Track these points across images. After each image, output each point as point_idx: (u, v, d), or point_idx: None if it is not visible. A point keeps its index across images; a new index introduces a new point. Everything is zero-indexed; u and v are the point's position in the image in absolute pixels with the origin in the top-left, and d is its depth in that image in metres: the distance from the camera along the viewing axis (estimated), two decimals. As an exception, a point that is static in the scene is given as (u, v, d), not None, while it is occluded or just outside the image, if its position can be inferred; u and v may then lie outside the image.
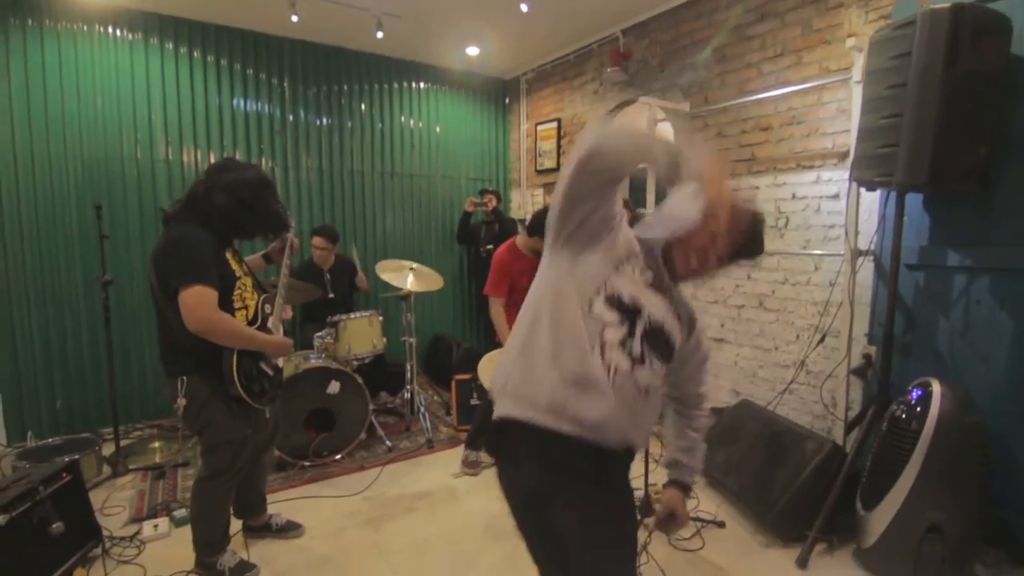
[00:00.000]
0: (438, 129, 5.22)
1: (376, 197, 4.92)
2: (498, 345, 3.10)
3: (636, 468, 2.74)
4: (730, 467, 2.78)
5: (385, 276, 3.71)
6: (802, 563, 2.27)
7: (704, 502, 2.74)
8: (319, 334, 3.37)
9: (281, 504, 2.69)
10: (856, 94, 2.63)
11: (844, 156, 2.86)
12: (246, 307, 2.05)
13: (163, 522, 2.50)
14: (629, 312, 1.14)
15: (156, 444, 3.49)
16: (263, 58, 4.29)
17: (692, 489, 1.46)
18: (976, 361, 2.36)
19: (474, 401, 3.73)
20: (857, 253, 2.71)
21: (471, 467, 3.14)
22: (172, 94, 3.95)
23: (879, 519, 2.19)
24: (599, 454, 1.15)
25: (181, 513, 2.54)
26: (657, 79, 3.90)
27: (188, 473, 3.09)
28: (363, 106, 4.79)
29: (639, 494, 2.64)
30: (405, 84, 5.00)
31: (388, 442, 3.42)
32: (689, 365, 1.37)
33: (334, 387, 3.19)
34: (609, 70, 4.13)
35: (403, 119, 5.01)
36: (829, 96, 2.92)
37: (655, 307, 1.17)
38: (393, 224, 5.03)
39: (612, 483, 1.26)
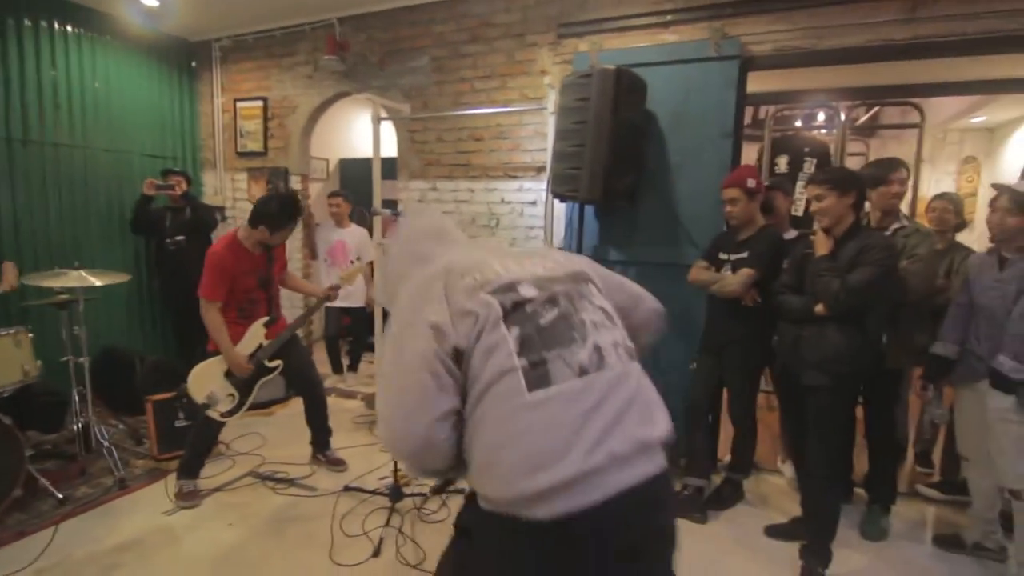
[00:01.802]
0: (95, 88, 4.13)
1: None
2: (212, 354, 2.72)
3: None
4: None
5: (43, 283, 2.84)
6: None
7: (445, 477, 3.00)
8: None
9: None
10: (550, 122, 3.23)
11: (540, 170, 3.48)
12: None
13: None
14: None
15: None
16: None
17: None
18: (629, 330, 3.23)
19: (180, 422, 3.17)
20: (552, 250, 3.35)
21: (187, 499, 2.69)
22: None
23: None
24: None
25: None
26: (377, 77, 3.96)
27: None
28: (-33, 41, 3.45)
29: (388, 481, 2.73)
30: (44, 23, 3.79)
31: (58, 494, 2.64)
32: None
33: (-38, 436, 2.31)
34: (326, 57, 3.98)
35: (41, 69, 3.80)
36: (529, 119, 3.49)
37: None
38: (29, 209, 3.78)
39: None
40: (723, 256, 2.62)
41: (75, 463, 2.97)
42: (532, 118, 3.47)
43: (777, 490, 2.93)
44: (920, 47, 2.79)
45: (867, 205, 2.39)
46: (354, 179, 5.49)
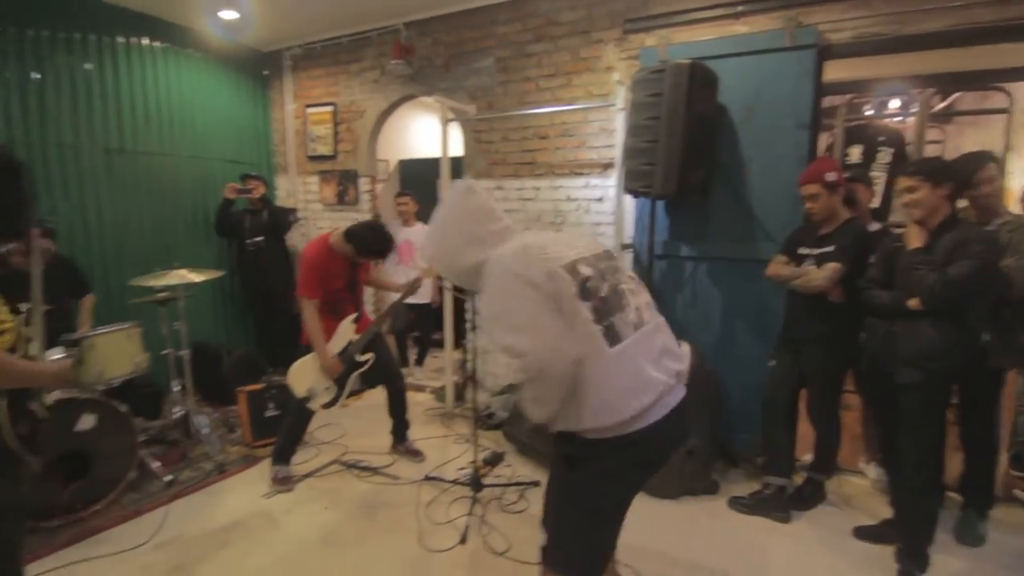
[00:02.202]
0: (180, 99, 4.40)
1: (99, 180, 3.91)
2: (307, 349, 2.88)
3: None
4: (534, 433, 3.18)
5: (147, 282, 3.09)
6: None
7: (520, 468, 3.07)
8: (55, 358, 2.60)
9: (33, 584, 2.06)
10: (618, 119, 3.24)
11: (607, 167, 3.49)
12: (1, 332, 1.52)
13: None
14: None
15: None
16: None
17: None
18: (702, 324, 3.22)
19: (271, 412, 3.37)
20: (622, 247, 3.36)
21: (283, 483, 2.87)
22: None
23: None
24: None
25: None
26: (443, 79, 4.06)
27: None
28: (72, 58, 3.73)
29: (467, 472, 2.83)
30: (134, 40, 4.07)
31: (167, 476, 2.87)
32: None
33: (87, 421, 2.54)
34: (393, 62, 4.10)
35: (132, 83, 4.07)
36: (594, 116, 3.51)
37: None
38: (126, 214, 4.07)
39: None
40: (803, 251, 2.56)
41: (177, 448, 3.21)
42: (598, 115, 3.49)
43: (860, 491, 2.86)
44: (1012, 29, 2.65)
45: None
46: (414, 179, 5.62)
